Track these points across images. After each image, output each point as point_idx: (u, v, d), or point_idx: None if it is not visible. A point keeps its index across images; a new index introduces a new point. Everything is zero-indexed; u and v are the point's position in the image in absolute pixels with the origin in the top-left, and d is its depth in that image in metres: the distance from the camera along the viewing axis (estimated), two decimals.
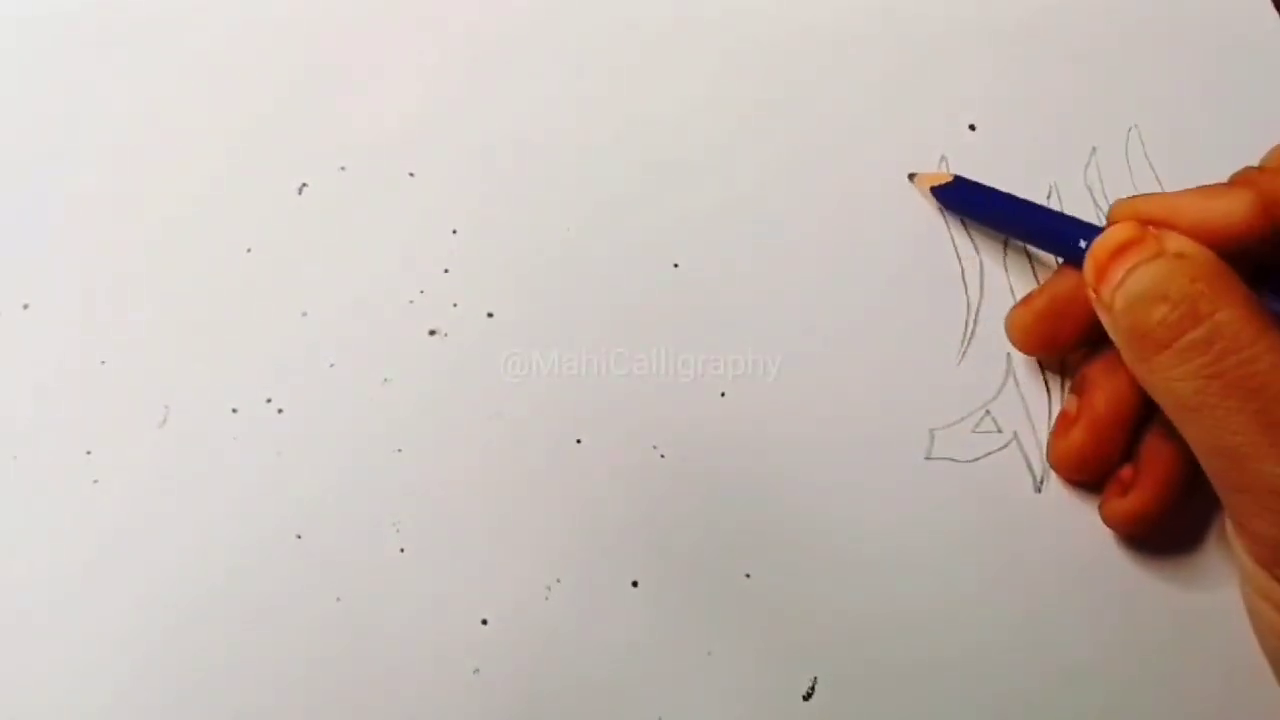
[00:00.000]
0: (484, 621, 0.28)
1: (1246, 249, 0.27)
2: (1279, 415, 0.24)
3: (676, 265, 0.32)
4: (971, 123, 0.35)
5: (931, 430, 0.31)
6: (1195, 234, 0.26)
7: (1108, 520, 0.30)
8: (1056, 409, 0.31)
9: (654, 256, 0.32)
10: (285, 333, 0.31)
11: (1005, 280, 0.33)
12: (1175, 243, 0.26)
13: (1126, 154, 0.35)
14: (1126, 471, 0.29)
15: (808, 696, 0.28)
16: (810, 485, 0.30)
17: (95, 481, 0.29)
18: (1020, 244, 0.33)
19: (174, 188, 0.32)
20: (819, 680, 0.29)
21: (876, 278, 0.33)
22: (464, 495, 0.30)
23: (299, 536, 0.29)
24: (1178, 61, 0.36)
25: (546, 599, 0.29)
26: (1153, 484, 0.29)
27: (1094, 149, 0.35)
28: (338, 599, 0.28)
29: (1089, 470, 0.30)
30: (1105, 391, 0.29)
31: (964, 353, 0.32)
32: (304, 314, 0.31)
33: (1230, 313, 0.25)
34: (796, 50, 0.35)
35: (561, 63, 0.35)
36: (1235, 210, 0.26)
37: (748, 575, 0.29)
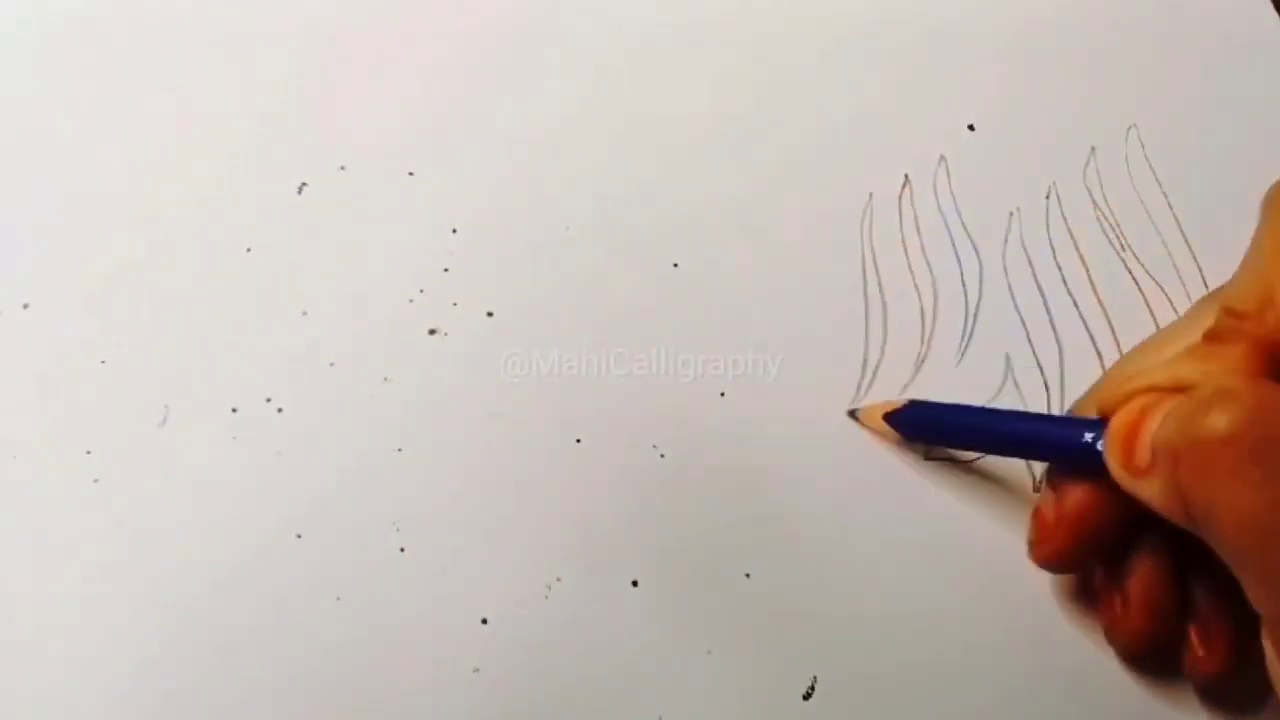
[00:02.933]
0: (484, 621, 0.28)
1: None
2: None
3: (676, 265, 0.32)
4: (971, 123, 0.35)
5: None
6: None
7: (1197, 686, 0.28)
8: (1056, 409, 0.31)
9: (654, 256, 0.32)
10: (285, 332, 0.31)
11: (1005, 280, 0.33)
12: (1214, 381, 0.23)
13: (1126, 154, 0.35)
14: (1195, 632, 0.27)
15: (808, 696, 0.28)
16: (810, 485, 0.30)
17: (95, 481, 0.29)
18: (1020, 244, 0.33)
19: (174, 187, 0.32)
20: (819, 680, 0.29)
21: (876, 277, 0.33)
22: (464, 495, 0.30)
23: (299, 536, 0.29)
24: (1178, 61, 0.36)
25: (546, 599, 0.29)
26: (1225, 644, 0.26)
27: (1094, 149, 0.35)
28: (338, 599, 0.28)
29: (1077, 568, 0.28)
30: (1080, 492, 0.26)
31: (964, 352, 0.32)
32: (304, 314, 0.31)
33: None
34: (796, 50, 0.35)
35: (562, 62, 0.35)
36: (1237, 368, 0.24)
37: (748, 575, 0.29)
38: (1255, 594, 0.22)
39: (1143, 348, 0.28)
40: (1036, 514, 0.28)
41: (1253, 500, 0.21)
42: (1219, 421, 0.22)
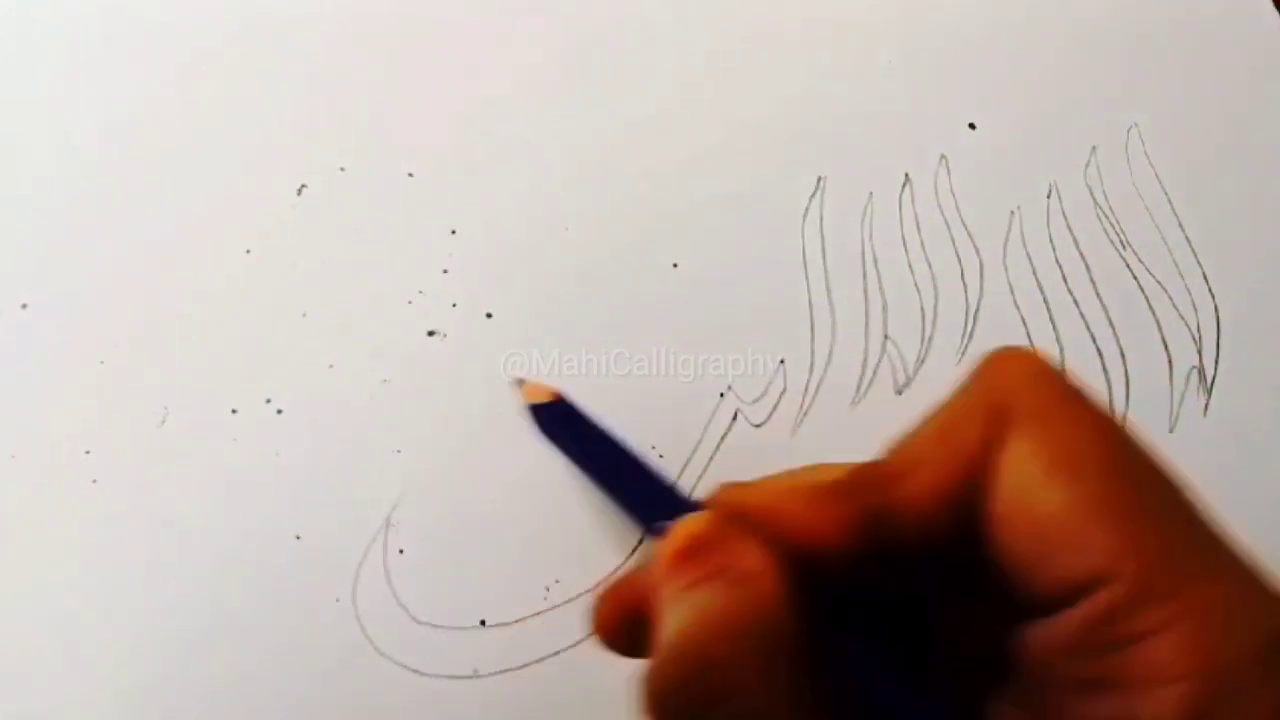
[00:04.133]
0: (483, 622, 0.28)
1: (850, 565, 0.22)
2: None
3: (676, 265, 0.32)
4: (971, 122, 0.35)
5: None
6: (794, 541, 0.22)
7: None
8: None
9: (654, 256, 0.32)
10: (285, 333, 0.31)
11: (1005, 279, 0.33)
12: (746, 559, 0.21)
13: (1126, 154, 0.35)
14: None
15: None
16: None
17: (95, 481, 0.29)
18: (1021, 243, 0.33)
19: (174, 188, 0.32)
20: None
21: (876, 276, 0.33)
22: (464, 496, 0.30)
23: (299, 537, 0.29)
24: (1178, 61, 0.36)
25: (546, 599, 0.29)
26: None
27: (1094, 148, 0.35)
28: (337, 599, 0.28)
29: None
30: None
31: (964, 352, 0.32)
32: (304, 314, 0.31)
33: (762, 687, 0.20)
34: (797, 50, 0.35)
35: (561, 62, 0.35)
36: (834, 525, 0.22)
37: None
38: None
39: (829, 465, 0.25)
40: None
41: None
42: (651, 685, 0.21)
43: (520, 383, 0.28)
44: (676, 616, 0.21)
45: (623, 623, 0.23)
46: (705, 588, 0.21)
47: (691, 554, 0.22)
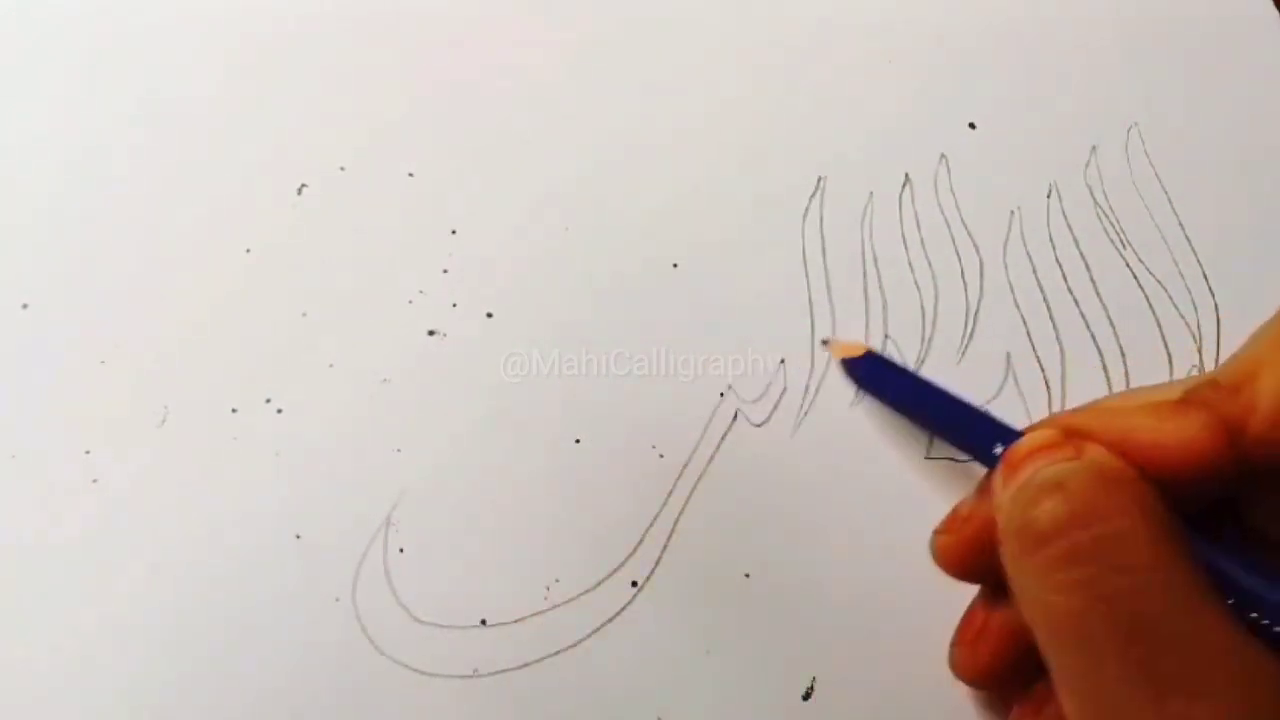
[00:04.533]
0: (484, 621, 0.28)
1: (1203, 480, 0.22)
2: (1167, 671, 0.19)
3: (676, 265, 0.32)
4: (972, 121, 0.35)
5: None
6: (1145, 459, 0.22)
7: None
8: (1056, 408, 0.31)
9: (654, 256, 0.32)
10: (285, 333, 0.31)
11: (1005, 279, 0.33)
12: (1094, 450, 0.22)
13: (1126, 153, 0.35)
14: (1041, 688, 0.25)
15: (807, 696, 0.28)
16: (810, 485, 0.30)
17: (95, 481, 0.29)
18: (1021, 243, 0.33)
19: (174, 187, 0.32)
20: (819, 680, 0.28)
21: (876, 276, 0.33)
22: (464, 495, 0.30)
23: (299, 536, 0.29)
24: (1178, 61, 0.36)
25: (546, 599, 0.29)
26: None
27: (1094, 148, 0.35)
28: (337, 599, 0.28)
29: (998, 685, 0.26)
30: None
31: (964, 352, 0.32)
32: (304, 314, 0.31)
33: (1131, 524, 0.20)
34: (797, 50, 0.35)
35: (561, 62, 0.35)
36: (1192, 437, 0.22)
37: (747, 575, 0.29)
38: (1061, 695, 0.21)
39: (1148, 387, 0.26)
40: (967, 616, 0.26)
41: (1059, 603, 0.20)
42: (1040, 515, 0.21)
43: (826, 342, 0.31)
44: (1049, 470, 0.21)
45: (964, 548, 0.24)
46: (1057, 463, 0.21)
47: (1038, 452, 0.22)
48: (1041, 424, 0.24)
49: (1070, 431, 0.22)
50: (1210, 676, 0.19)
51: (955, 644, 0.26)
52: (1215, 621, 0.19)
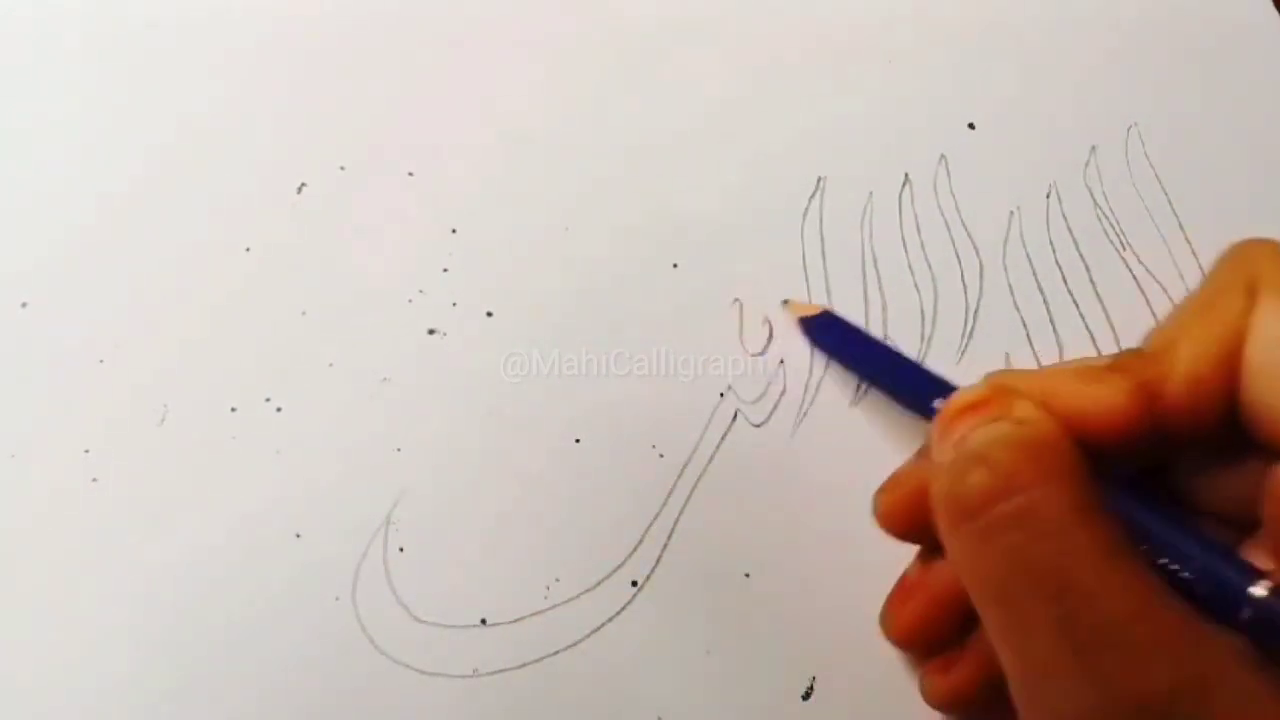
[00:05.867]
0: (484, 621, 0.28)
1: (1123, 442, 0.23)
2: (1083, 627, 0.20)
3: (676, 265, 0.32)
4: (971, 122, 0.35)
5: (931, 430, 0.31)
6: (1068, 419, 0.23)
7: (924, 697, 0.27)
8: None
9: (654, 256, 0.32)
10: (285, 332, 0.31)
11: (1005, 279, 0.33)
12: (1021, 409, 0.22)
13: (1126, 154, 0.35)
14: (956, 650, 0.26)
15: (807, 696, 0.28)
16: (810, 484, 0.30)
17: (94, 480, 0.29)
18: (1020, 243, 0.33)
19: (173, 187, 0.32)
20: (819, 680, 0.28)
21: (876, 276, 0.33)
22: (464, 495, 0.30)
23: (299, 536, 0.29)
24: (1178, 61, 0.36)
25: (546, 599, 0.29)
26: (974, 667, 0.25)
27: (1094, 148, 0.35)
28: (337, 599, 0.28)
29: (923, 645, 0.27)
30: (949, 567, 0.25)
31: (964, 352, 0.32)
32: (304, 314, 0.31)
33: (1051, 491, 0.21)
34: (797, 50, 0.35)
35: (561, 62, 0.35)
36: (1111, 399, 0.23)
37: (747, 575, 0.29)
38: (997, 649, 0.22)
39: (1082, 358, 0.27)
40: (902, 578, 0.27)
41: (988, 569, 0.21)
42: (967, 488, 0.22)
43: (786, 302, 0.31)
44: (977, 436, 0.22)
45: (904, 508, 0.25)
46: (987, 425, 0.22)
47: (969, 410, 0.23)
48: (980, 383, 0.25)
49: (999, 389, 0.23)
50: (1127, 631, 0.20)
51: (886, 603, 0.27)
52: (1131, 578, 0.20)
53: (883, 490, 0.27)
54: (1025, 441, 0.22)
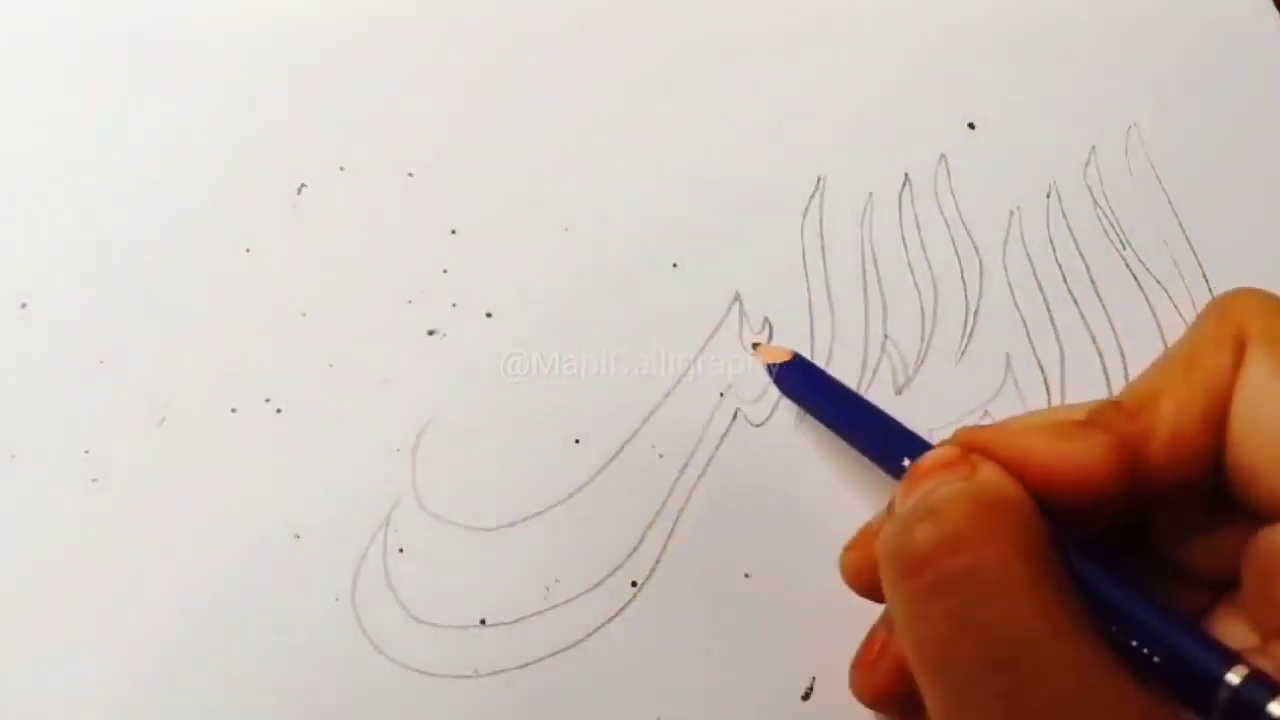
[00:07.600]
0: (483, 621, 0.28)
1: (1101, 502, 0.22)
2: (1029, 702, 0.18)
3: (676, 265, 0.32)
4: (971, 122, 0.35)
5: (931, 430, 0.31)
6: (1043, 478, 0.22)
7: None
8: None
9: (654, 256, 0.32)
10: (285, 333, 0.31)
11: (1005, 279, 0.33)
12: (985, 471, 0.21)
13: (1126, 154, 0.35)
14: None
15: (807, 696, 0.28)
16: (810, 484, 0.30)
17: (94, 481, 0.29)
18: (1020, 243, 0.33)
19: (173, 187, 0.32)
20: (819, 680, 0.28)
21: (876, 277, 0.33)
22: (464, 495, 0.30)
23: (298, 536, 0.29)
24: (1178, 61, 0.36)
25: (546, 599, 0.29)
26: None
27: (1094, 148, 0.35)
28: (337, 599, 0.28)
29: (897, 709, 0.25)
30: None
31: (964, 352, 0.32)
32: (303, 314, 0.31)
33: (1000, 551, 0.20)
34: (797, 50, 0.35)
35: (561, 62, 0.35)
36: (1089, 457, 0.22)
37: (747, 575, 0.29)
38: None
39: (1058, 407, 0.26)
40: (869, 637, 0.25)
41: (927, 631, 0.20)
42: (912, 542, 0.20)
43: (756, 346, 0.31)
44: (932, 494, 0.21)
45: (871, 565, 0.23)
46: (950, 484, 0.21)
47: (937, 469, 0.22)
48: (948, 441, 0.24)
49: (970, 448, 0.22)
50: (1073, 708, 0.18)
51: (854, 665, 0.26)
52: (1084, 651, 0.19)
53: (849, 547, 0.25)
54: (978, 497, 0.21)
